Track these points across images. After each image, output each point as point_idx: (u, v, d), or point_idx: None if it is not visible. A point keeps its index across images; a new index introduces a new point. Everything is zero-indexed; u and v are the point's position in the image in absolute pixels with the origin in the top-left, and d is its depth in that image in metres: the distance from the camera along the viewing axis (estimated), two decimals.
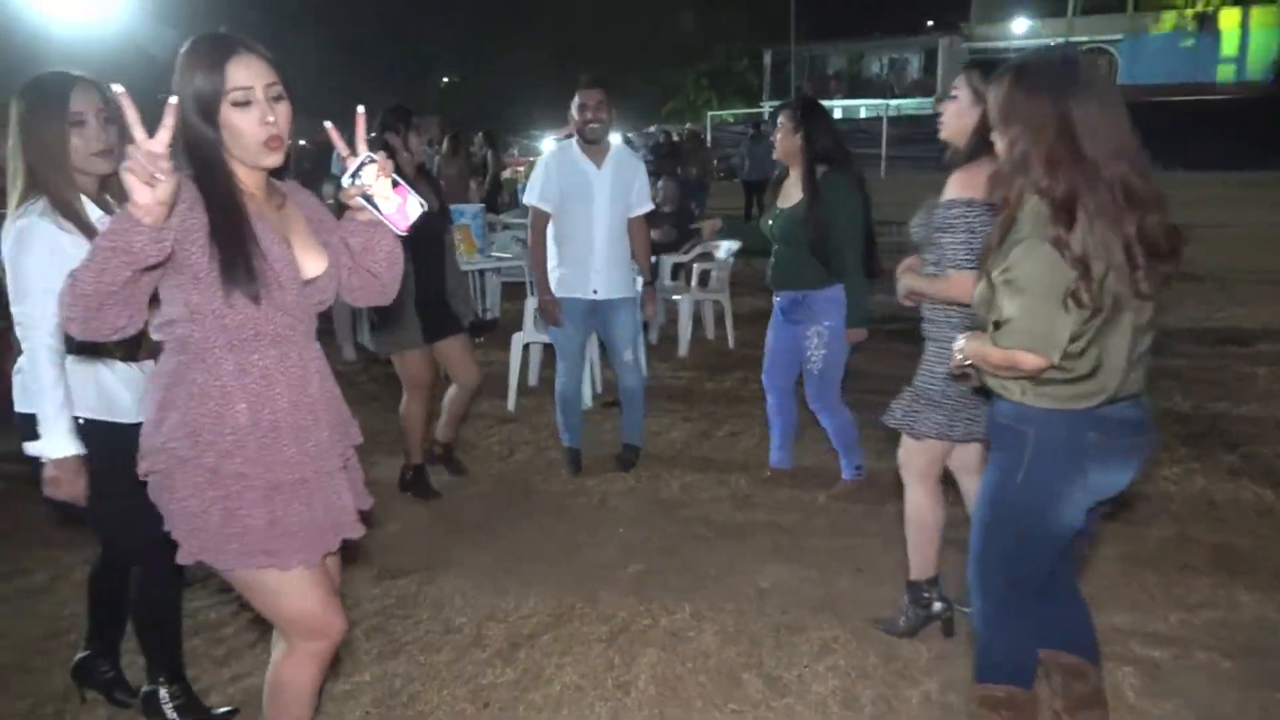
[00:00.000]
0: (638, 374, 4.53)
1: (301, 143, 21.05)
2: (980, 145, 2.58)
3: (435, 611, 3.23)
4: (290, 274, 1.82)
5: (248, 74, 1.75)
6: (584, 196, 4.20)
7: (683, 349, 6.79)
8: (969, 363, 2.05)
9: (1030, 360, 1.87)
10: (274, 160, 1.81)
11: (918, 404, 2.83)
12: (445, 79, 40.04)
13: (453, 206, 7.11)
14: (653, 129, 27.31)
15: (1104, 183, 1.82)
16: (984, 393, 2.16)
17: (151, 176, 1.49)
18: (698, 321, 7.14)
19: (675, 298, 6.93)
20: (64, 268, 2.19)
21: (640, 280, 4.55)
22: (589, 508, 4.15)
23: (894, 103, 33.47)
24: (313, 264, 1.91)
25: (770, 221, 4.01)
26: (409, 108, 4.06)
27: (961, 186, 2.60)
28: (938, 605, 2.98)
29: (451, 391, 4.36)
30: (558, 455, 4.70)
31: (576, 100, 4.15)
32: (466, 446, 4.83)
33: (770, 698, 2.71)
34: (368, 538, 3.85)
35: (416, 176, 4.06)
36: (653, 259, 6.77)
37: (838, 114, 35.19)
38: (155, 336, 1.90)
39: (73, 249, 2.16)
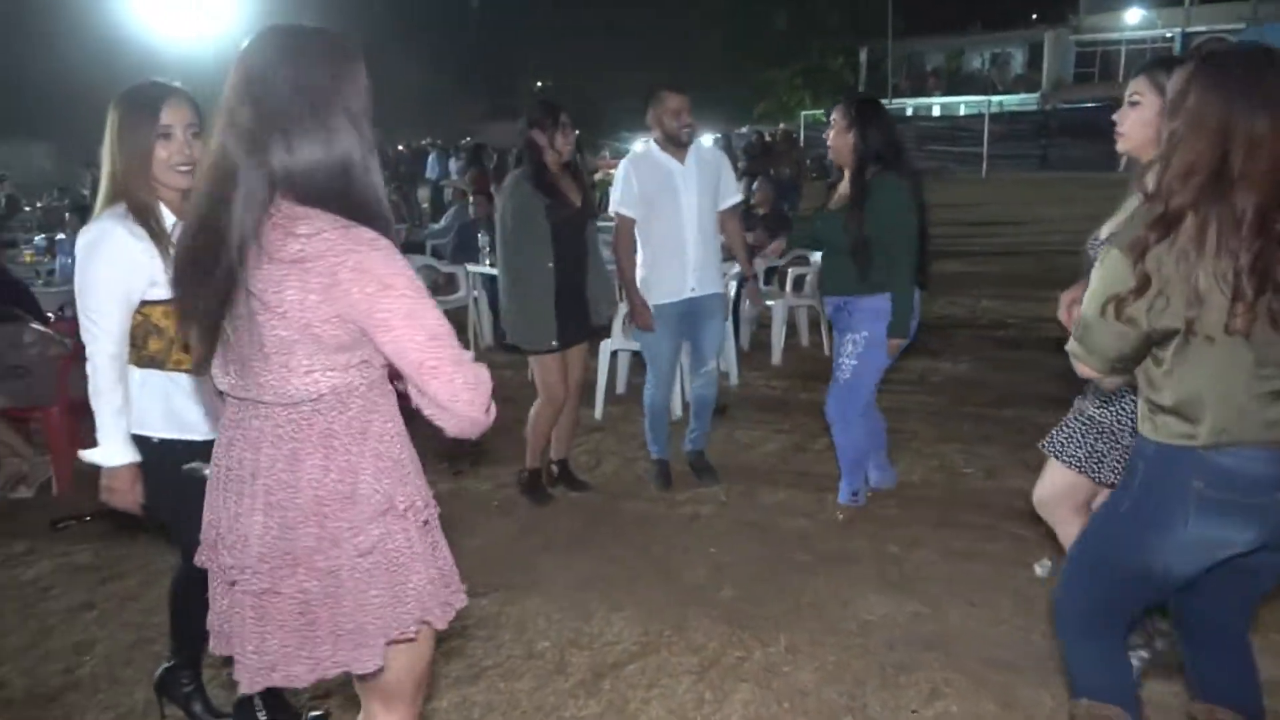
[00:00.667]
0: (715, 384, 4.40)
1: (400, 148, 21.55)
2: None
3: (518, 634, 3.10)
4: None
5: None
6: (671, 194, 4.11)
7: (776, 356, 6.56)
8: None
9: (1080, 366, 1.85)
10: None
11: (1094, 440, 2.50)
12: (539, 82, 40.46)
13: None
14: (744, 130, 26.98)
15: (1233, 205, 1.63)
16: None
17: None
18: (791, 328, 6.89)
19: (769, 303, 6.69)
20: (133, 275, 2.16)
21: (734, 275, 4.44)
22: (679, 525, 3.97)
23: (996, 99, 32.31)
24: None
25: (818, 223, 3.79)
26: (558, 105, 3.94)
27: None
28: (1160, 642, 2.64)
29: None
30: (646, 466, 4.53)
31: (669, 105, 4.05)
32: None
33: None
34: (453, 551, 3.77)
35: (561, 174, 3.94)
36: None
37: (936, 111, 34.27)
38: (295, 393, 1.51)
39: (143, 257, 2.14)
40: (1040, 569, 3.36)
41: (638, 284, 4.12)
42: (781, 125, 21.84)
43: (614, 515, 4.08)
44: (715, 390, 4.41)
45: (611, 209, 4.25)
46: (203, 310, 1.49)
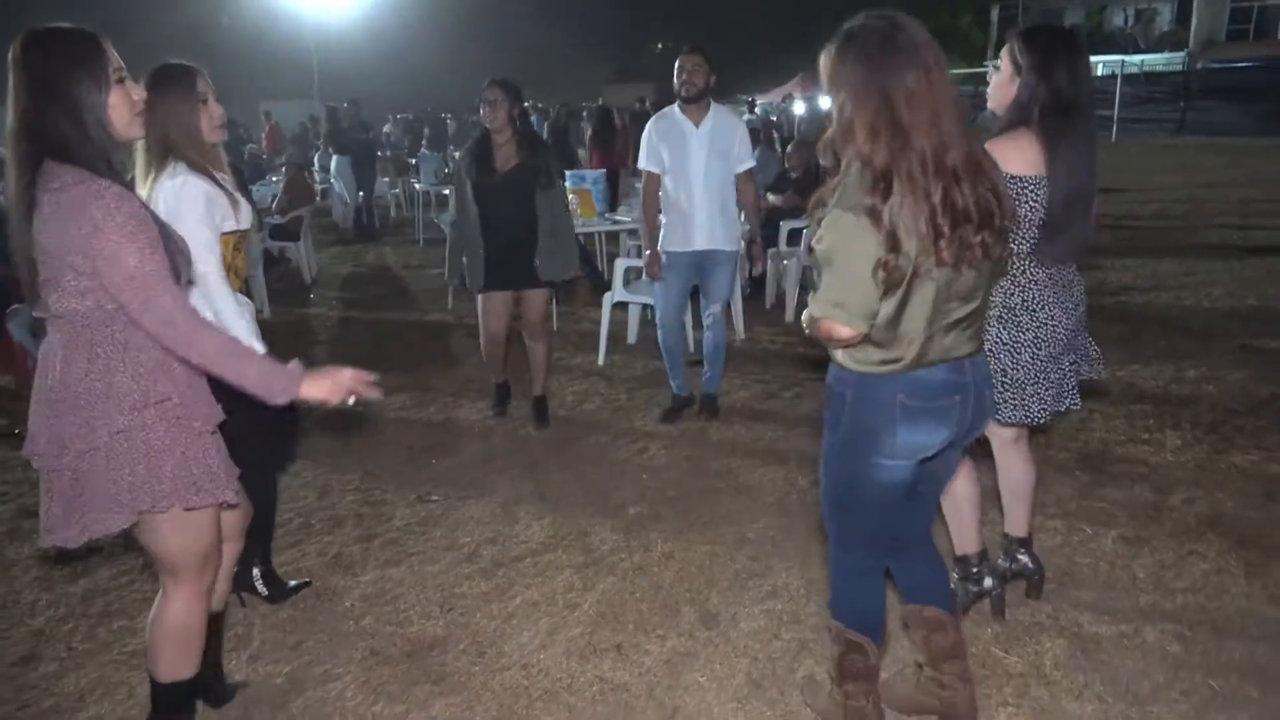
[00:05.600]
0: (721, 329, 4.81)
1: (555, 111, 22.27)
2: (1016, 118, 2.59)
3: (449, 531, 3.67)
4: None
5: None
6: (683, 154, 4.52)
7: (789, 314, 6.86)
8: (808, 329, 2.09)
9: (841, 330, 1.93)
10: None
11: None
12: (660, 44, 40.68)
13: (574, 172, 7.57)
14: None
15: (915, 151, 1.84)
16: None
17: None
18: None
19: (785, 262, 6.99)
20: (214, 217, 2.55)
21: (746, 235, 4.87)
22: (627, 455, 4.44)
23: (1135, 59, 30.48)
24: None
25: None
26: (494, 83, 4.41)
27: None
28: (988, 581, 2.89)
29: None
30: (624, 407, 5.06)
31: (677, 64, 4.50)
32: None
33: (698, 629, 2.93)
34: (425, 466, 4.36)
35: (508, 143, 4.42)
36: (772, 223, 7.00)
37: None
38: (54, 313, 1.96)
39: (220, 199, 2.58)
40: None
41: (660, 232, 4.63)
42: None
43: (573, 446, 4.58)
44: (722, 334, 4.84)
45: (639, 165, 4.74)
46: (18, 249, 1.95)
